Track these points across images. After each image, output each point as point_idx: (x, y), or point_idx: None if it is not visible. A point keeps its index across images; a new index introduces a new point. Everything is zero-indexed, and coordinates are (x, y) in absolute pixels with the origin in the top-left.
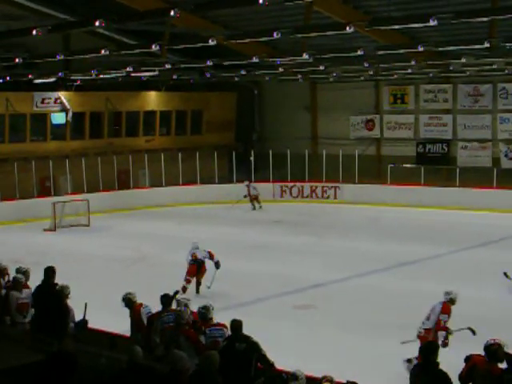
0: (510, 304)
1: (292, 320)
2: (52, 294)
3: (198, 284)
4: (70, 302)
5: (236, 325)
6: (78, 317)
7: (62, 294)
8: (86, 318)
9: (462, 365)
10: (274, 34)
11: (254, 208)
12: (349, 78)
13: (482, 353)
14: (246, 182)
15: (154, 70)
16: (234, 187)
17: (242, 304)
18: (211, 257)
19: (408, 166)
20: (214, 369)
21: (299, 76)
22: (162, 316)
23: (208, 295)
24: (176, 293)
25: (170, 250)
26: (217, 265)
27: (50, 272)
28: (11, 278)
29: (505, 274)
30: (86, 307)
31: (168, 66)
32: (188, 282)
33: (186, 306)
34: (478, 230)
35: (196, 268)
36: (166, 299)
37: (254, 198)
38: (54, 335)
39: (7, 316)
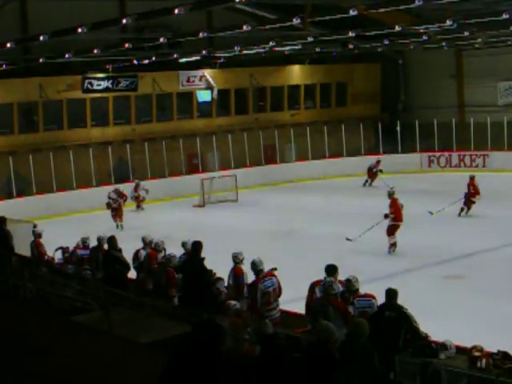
0: None
1: (444, 290)
2: (199, 269)
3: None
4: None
5: (390, 293)
6: None
7: (208, 272)
8: None
9: None
10: (416, 1)
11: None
12: (495, 43)
13: None
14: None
15: (297, 44)
16: (382, 158)
17: (391, 275)
18: None
19: None
20: (364, 337)
21: (444, 43)
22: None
23: (356, 266)
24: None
25: (317, 223)
26: None
27: (197, 246)
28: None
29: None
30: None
31: (310, 39)
32: None
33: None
34: None
35: None
36: (330, 268)
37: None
38: (202, 308)
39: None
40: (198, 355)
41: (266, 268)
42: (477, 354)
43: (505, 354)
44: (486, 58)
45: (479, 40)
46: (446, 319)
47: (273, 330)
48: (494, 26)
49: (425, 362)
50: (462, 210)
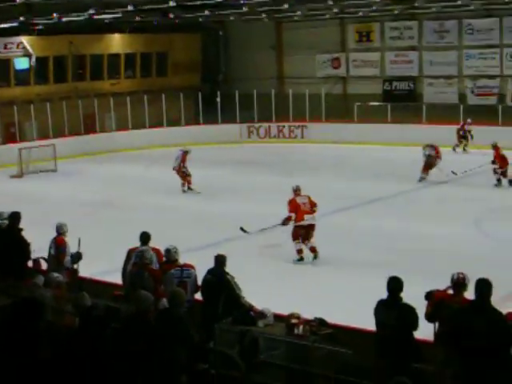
0: (472, 237)
1: (263, 258)
2: (17, 240)
3: None
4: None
5: (217, 259)
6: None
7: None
8: (80, 251)
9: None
10: None
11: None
12: (314, 17)
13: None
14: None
15: (117, 12)
16: (202, 128)
17: (212, 244)
18: None
19: (375, 104)
20: (182, 306)
21: (264, 15)
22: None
23: (177, 236)
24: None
25: (138, 194)
26: None
27: (15, 217)
28: None
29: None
30: (79, 242)
31: (131, 8)
32: None
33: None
34: (442, 165)
35: None
36: (144, 236)
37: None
38: (16, 275)
39: None
40: (17, 330)
41: None
42: (294, 321)
43: (321, 321)
44: (304, 31)
45: (298, 13)
46: (268, 288)
47: (91, 302)
48: None
49: (243, 331)
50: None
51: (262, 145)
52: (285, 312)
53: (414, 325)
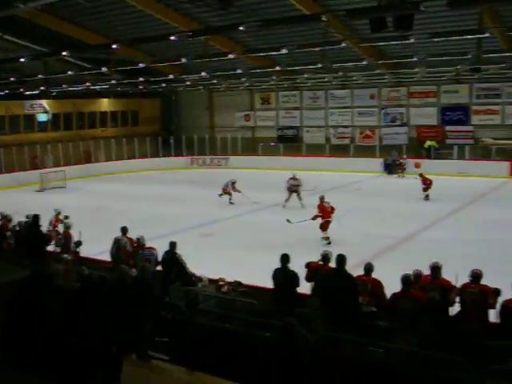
0: (337, 229)
1: (200, 244)
2: (37, 233)
3: None
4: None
5: (170, 243)
6: None
7: None
8: (80, 239)
9: None
10: (183, 60)
11: None
12: (233, 88)
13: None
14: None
15: (106, 84)
16: (161, 160)
17: (161, 236)
18: None
19: (272, 144)
20: (148, 277)
21: (201, 87)
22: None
23: (145, 229)
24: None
25: (121, 202)
26: None
27: (36, 218)
28: None
29: (288, 220)
30: (80, 234)
31: (114, 82)
32: None
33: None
34: (314, 182)
35: None
36: (123, 228)
37: None
38: (36, 256)
39: None
40: (35, 292)
41: None
42: (221, 283)
43: (239, 283)
44: (227, 97)
45: (223, 85)
46: (204, 262)
47: (88, 272)
48: (232, 76)
49: (188, 289)
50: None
51: (200, 170)
52: (215, 277)
53: (297, 283)
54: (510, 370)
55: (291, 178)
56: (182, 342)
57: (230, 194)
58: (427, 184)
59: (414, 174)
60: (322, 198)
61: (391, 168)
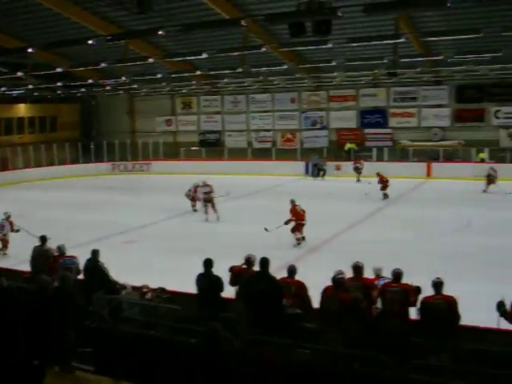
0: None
1: (124, 250)
2: None
3: None
4: None
5: (93, 251)
6: None
7: None
8: None
9: None
10: (102, 64)
11: None
12: (154, 93)
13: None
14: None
15: (22, 89)
16: (81, 166)
17: (83, 244)
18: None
19: (194, 148)
20: (70, 285)
21: (122, 92)
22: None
23: (66, 237)
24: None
25: (41, 209)
26: None
27: None
28: None
29: (265, 228)
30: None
31: (31, 86)
32: None
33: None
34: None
35: None
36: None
37: None
38: None
39: None
40: None
41: None
42: (145, 290)
43: (162, 289)
44: (148, 102)
45: (144, 90)
46: (127, 270)
47: (7, 283)
48: (152, 81)
49: (110, 297)
50: None
51: (121, 176)
52: (139, 284)
53: (221, 287)
54: (431, 364)
55: (201, 186)
56: (106, 351)
57: (194, 199)
58: (384, 182)
59: (335, 176)
60: (293, 202)
61: (315, 170)
